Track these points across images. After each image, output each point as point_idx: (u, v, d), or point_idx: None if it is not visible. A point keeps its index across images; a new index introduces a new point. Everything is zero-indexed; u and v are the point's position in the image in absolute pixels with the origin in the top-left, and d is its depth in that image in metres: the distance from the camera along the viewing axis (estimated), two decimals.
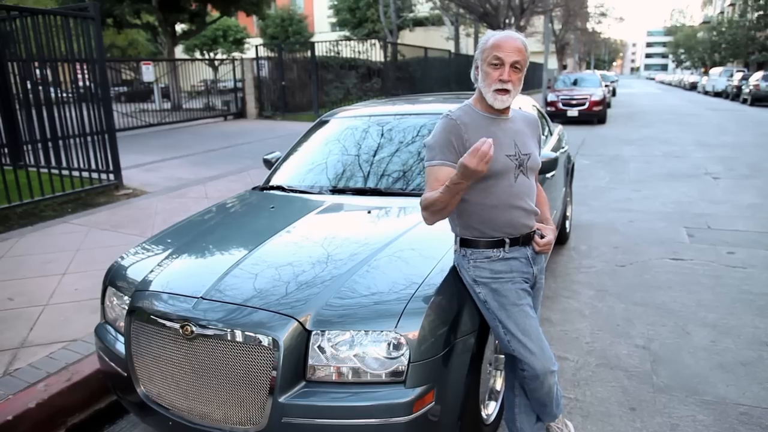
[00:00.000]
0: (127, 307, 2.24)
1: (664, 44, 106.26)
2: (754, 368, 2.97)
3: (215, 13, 23.46)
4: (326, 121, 3.78)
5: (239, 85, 18.16)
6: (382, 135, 3.37)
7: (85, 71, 6.88)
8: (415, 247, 2.28)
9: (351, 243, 2.34)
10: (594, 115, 16.32)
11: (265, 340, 1.86)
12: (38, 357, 2.98)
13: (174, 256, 2.46)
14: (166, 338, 2.04)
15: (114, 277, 2.52)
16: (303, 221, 2.58)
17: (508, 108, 1.96)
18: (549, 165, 2.92)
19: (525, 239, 1.98)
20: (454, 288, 2.05)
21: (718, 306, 3.75)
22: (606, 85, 20.29)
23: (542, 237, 2.02)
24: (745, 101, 25.75)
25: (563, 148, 4.89)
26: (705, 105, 25.22)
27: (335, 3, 37.14)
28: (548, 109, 16.43)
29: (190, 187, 7.66)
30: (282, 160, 3.58)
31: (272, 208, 2.83)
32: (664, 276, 4.33)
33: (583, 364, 3.08)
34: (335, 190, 2.97)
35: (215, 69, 19.85)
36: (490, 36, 1.90)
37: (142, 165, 9.30)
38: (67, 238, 5.35)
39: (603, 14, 34.12)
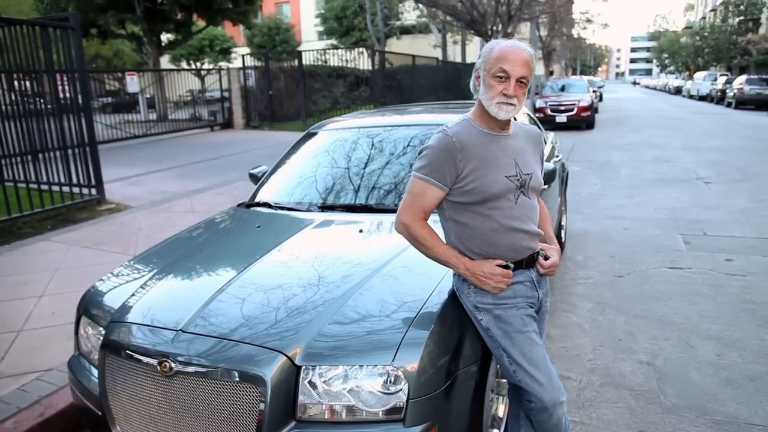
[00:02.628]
0: (101, 339, 2.07)
1: (648, 49, 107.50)
2: (763, 383, 2.86)
3: (201, 23, 23.28)
4: (314, 134, 3.64)
5: (226, 95, 17.98)
6: (373, 147, 3.23)
7: (66, 82, 6.68)
8: (411, 269, 2.13)
9: (342, 265, 2.20)
10: (582, 121, 16.34)
11: (251, 377, 1.71)
12: (9, 390, 2.80)
13: (153, 282, 2.30)
14: (143, 375, 1.88)
15: (89, 305, 2.35)
16: (291, 242, 2.43)
17: (509, 123, 1.84)
18: (547, 177, 2.78)
19: (528, 261, 1.85)
20: (455, 314, 1.91)
21: (721, 317, 3.64)
22: (594, 91, 20.35)
23: (546, 258, 1.89)
24: (729, 105, 26.00)
25: (557, 156, 4.78)
26: (690, 109, 25.41)
27: (322, 12, 37.06)
28: (537, 115, 16.40)
29: (175, 201, 7.47)
30: (268, 174, 3.43)
31: (258, 227, 2.68)
32: (664, 286, 4.22)
33: (586, 383, 2.95)
34: (324, 207, 2.83)
35: (202, 79, 19.66)
36: (494, 45, 1.77)
37: (125, 178, 9.10)
38: (46, 257, 5.15)
39: (588, 20, 34.37)
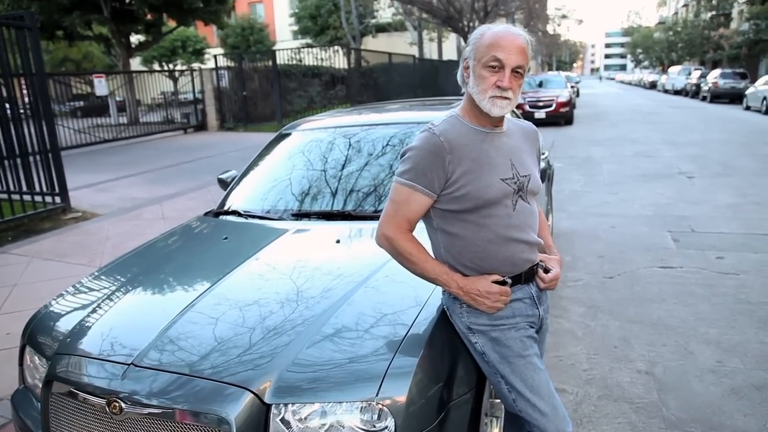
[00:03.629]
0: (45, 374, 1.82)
1: (622, 45, 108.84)
2: None
3: (172, 24, 22.75)
4: (287, 135, 3.39)
5: (199, 96, 17.55)
6: (350, 148, 3.00)
7: (23, 86, 6.32)
8: (396, 284, 1.91)
9: (318, 282, 1.96)
10: (561, 117, 16.29)
11: (212, 419, 1.47)
12: None
13: (106, 305, 2.05)
14: (90, 416, 1.64)
15: (34, 332, 2.09)
16: (260, 255, 2.19)
17: (503, 119, 1.62)
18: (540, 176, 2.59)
19: (528, 276, 1.64)
20: (446, 336, 1.70)
21: (718, 319, 3.49)
22: (571, 86, 20.37)
23: (547, 271, 1.68)
24: (704, 99, 26.30)
25: (544, 153, 4.61)
26: (667, 103, 25.62)
27: (296, 11, 36.61)
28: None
29: (145, 208, 7.16)
30: (238, 179, 3.18)
31: (225, 239, 2.43)
32: (656, 287, 4.07)
33: (583, 396, 2.76)
34: (298, 215, 2.59)
35: (175, 81, 19.20)
36: (485, 30, 1.55)
37: (93, 185, 8.72)
38: (4, 272, 4.83)
39: (564, 16, 34.52)
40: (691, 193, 7.06)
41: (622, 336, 3.34)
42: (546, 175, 3.13)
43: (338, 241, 2.20)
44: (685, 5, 55.52)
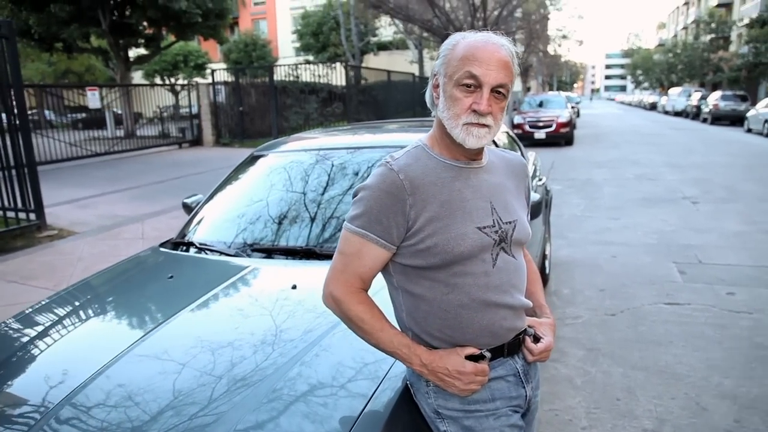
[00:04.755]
0: None
1: (622, 66, 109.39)
2: None
3: (172, 38, 22.65)
4: (260, 156, 3.08)
5: (195, 111, 17.33)
6: (328, 174, 2.68)
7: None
8: (351, 349, 1.57)
9: (263, 340, 1.63)
10: (561, 137, 16.06)
11: None
12: None
13: (18, 356, 1.72)
14: None
15: None
16: (202, 302, 1.86)
17: (482, 150, 1.30)
18: (533, 211, 2.28)
19: (512, 347, 1.31)
20: (409, 417, 1.37)
21: (733, 367, 3.15)
22: (572, 107, 20.19)
23: (537, 340, 1.35)
24: (705, 120, 26.14)
25: (540, 179, 4.31)
26: (667, 125, 25.43)
27: (298, 28, 36.69)
28: (515, 131, 16.08)
29: (125, 226, 6.84)
30: (201, 206, 2.86)
31: (170, 278, 2.11)
32: (662, 327, 3.74)
33: None
34: (259, 250, 2.27)
35: (176, 95, 19.02)
36: (458, 39, 1.24)
37: (76, 200, 8.41)
38: None
39: (564, 37, 34.49)
40: (696, 219, 6.75)
41: (626, 386, 3.00)
42: (541, 207, 2.82)
43: (294, 287, 1.87)
44: (685, 28, 55.83)
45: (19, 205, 6.34)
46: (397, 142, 2.91)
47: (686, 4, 57.91)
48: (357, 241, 1.23)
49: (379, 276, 1.33)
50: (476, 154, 1.28)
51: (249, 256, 2.23)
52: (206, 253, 2.37)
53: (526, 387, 1.34)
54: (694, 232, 6.16)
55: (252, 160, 3.08)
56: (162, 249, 2.53)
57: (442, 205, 1.21)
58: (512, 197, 1.34)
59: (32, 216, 6.41)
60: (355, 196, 1.25)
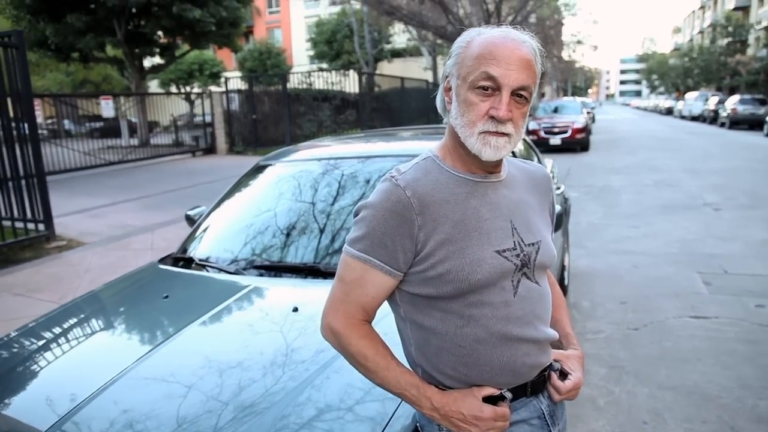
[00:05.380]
0: None
1: (637, 71, 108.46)
2: None
3: (187, 47, 22.78)
4: (266, 166, 2.96)
5: (209, 119, 17.38)
6: (338, 187, 2.54)
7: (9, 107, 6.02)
8: (357, 381, 1.43)
9: (257, 372, 1.49)
10: (577, 143, 15.83)
11: None
12: None
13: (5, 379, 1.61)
14: None
15: None
16: (196, 326, 1.73)
17: (500, 162, 1.15)
18: (556, 225, 2.12)
19: (536, 386, 1.16)
20: None
21: (767, 387, 2.96)
22: (587, 112, 19.94)
23: (564, 376, 1.20)
24: (723, 125, 25.70)
25: (559, 188, 4.14)
26: (684, 130, 25.02)
27: (313, 36, 36.83)
28: (530, 137, 15.88)
29: (135, 236, 6.78)
30: (204, 218, 2.75)
31: (166, 298, 1.99)
32: (689, 342, 3.55)
33: None
34: (260, 267, 2.14)
35: (191, 103, 19.09)
36: (473, 36, 1.09)
37: (88, 210, 8.39)
38: None
39: (579, 42, 34.19)
40: (719, 227, 6.51)
41: (653, 408, 2.82)
42: (563, 219, 2.66)
43: (296, 309, 1.74)
44: (701, 32, 55.17)
45: (28, 215, 6.30)
46: (409, 151, 2.77)
47: (702, 8, 57.27)
48: (358, 266, 1.08)
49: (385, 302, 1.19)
50: (494, 167, 1.13)
51: (250, 273, 2.10)
52: (207, 270, 2.25)
53: (552, 430, 1.18)
54: (717, 240, 5.93)
55: (257, 170, 2.96)
56: (161, 265, 2.41)
57: (456, 226, 1.07)
58: (535, 215, 1.19)
59: (41, 226, 6.36)
60: (356, 215, 1.11)
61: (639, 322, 3.89)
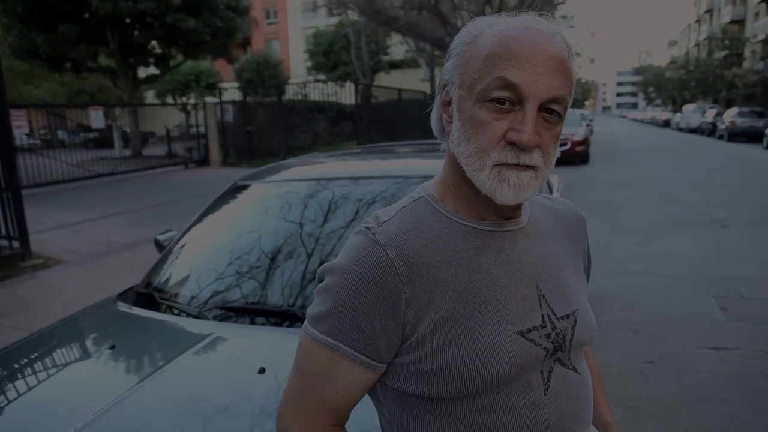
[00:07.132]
0: None
1: (633, 83, 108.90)
2: None
3: (181, 57, 22.56)
4: (243, 187, 2.64)
5: (202, 130, 17.09)
6: (329, 213, 2.21)
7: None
8: None
9: None
10: (577, 156, 15.57)
11: None
12: None
13: None
14: None
15: None
16: (143, 387, 1.41)
17: (521, 204, 0.84)
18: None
19: None
20: None
21: None
22: (586, 125, 19.74)
23: None
24: (721, 137, 25.59)
25: None
26: (683, 142, 24.86)
27: (310, 47, 36.77)
28: None
29: (118, 254, 6.44)
30: (171, 245, 2.43)
31: (113, 348, 1.66)
32: (711, 378, 3.23)
33: None
34: (228, 309, 1.82)
35: (187, 114, 18.84)
36: (482, 27, 0.77)
37: (70, 225, 8.05)
38: None
39: (577, 54, 34.22)
40: (730, 245, 6.22)
41: None
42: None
43: (263, 371, 1.41)
44: (697, 45, 55.43)
45: (2, 232, 5.97)
46: (416, 172, 2.43)
47: (698, 21, 57.59)
48: (322, 354, 0.76)
49: None
50: (512, 210, 0.82)
51: (215, 317, 1.78)
52: (167, 310, 1.92)
53: None
54: (730, 260, 5.63)
55: (234, 191, 2.64)
56: (119, 302, 2.09)
57: (461, 298, 0.75)
58: (568, 273, 0.87)
59: (15, 243, 6.03)
60: (319, 280, 0.80)
61: (654, 355, 3.57)
